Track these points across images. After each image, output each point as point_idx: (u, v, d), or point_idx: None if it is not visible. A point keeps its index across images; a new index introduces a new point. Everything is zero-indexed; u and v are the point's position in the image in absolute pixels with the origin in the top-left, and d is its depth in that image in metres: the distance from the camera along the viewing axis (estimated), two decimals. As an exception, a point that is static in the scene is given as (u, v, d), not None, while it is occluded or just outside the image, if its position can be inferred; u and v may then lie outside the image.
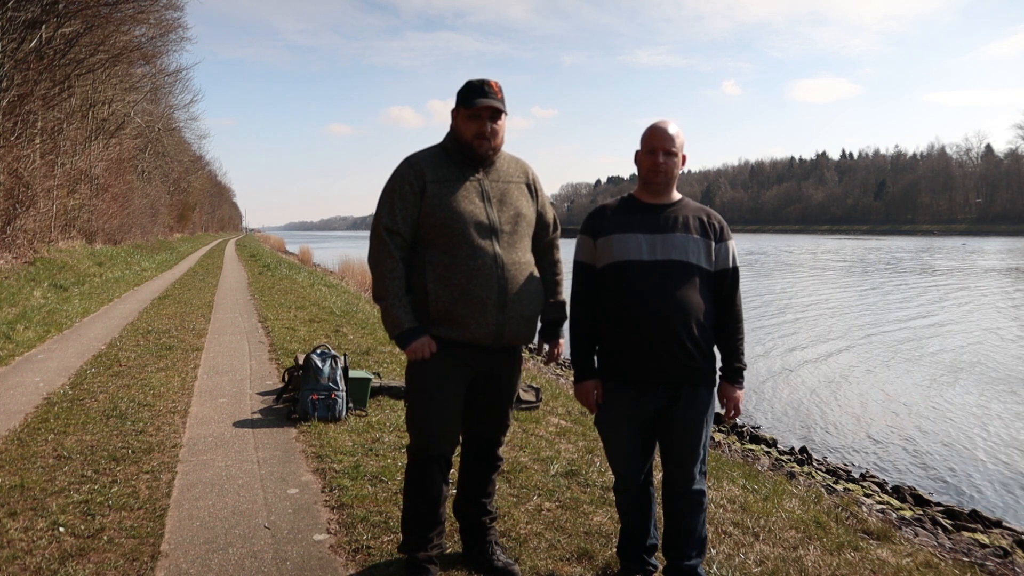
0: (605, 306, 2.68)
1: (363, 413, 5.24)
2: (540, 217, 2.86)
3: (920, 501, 5.93)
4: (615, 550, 2.98)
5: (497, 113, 2.65)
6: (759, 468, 5.68)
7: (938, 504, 5.91)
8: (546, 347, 2.95)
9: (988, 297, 22.12)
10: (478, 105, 2.62)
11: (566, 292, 2.90)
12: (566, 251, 2.92)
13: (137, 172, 35.34)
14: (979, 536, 4.98)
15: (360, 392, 5.34)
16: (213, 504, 3.60)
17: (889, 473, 6.94)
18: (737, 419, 8.19)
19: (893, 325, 16.34)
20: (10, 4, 14.99)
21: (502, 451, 2.97)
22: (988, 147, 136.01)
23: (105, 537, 3.18)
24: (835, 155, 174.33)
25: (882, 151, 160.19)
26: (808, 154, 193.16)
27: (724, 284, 2.68)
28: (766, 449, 7.19)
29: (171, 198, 48.75)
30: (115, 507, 3.52)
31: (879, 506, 5.44)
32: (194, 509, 3.53)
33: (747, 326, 2.85)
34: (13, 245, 15.81)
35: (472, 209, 2.63)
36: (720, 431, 7.58)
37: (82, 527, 3.28)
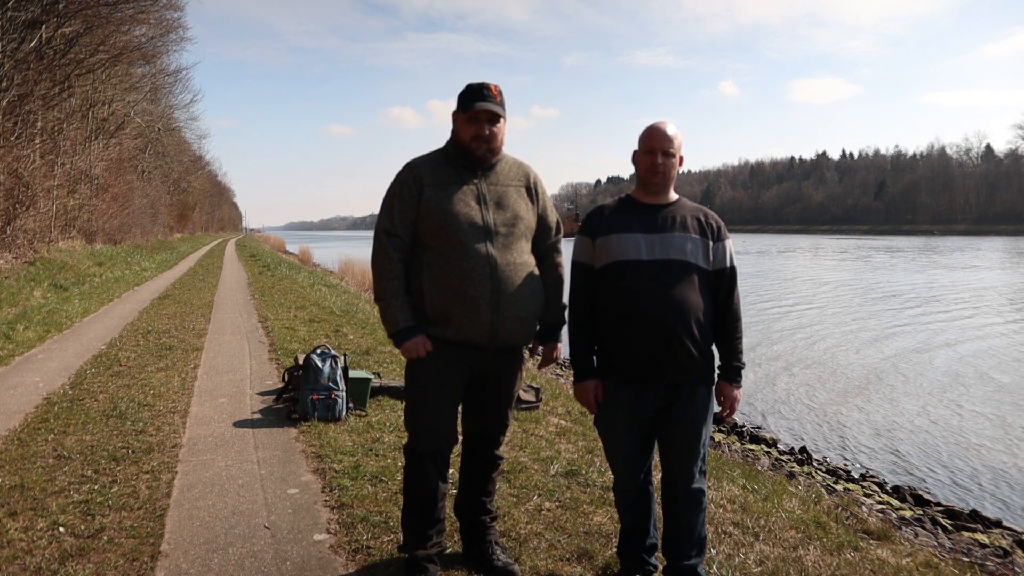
0: (604, 306, 2.68)
1: (363, 413, 5.25)
2: (541, 220, 2.85)
3: (920, 501, 5.93)
4: (615, 550, 2.99)
5: (495, 117, 2.66)
6: (759, 468, 5.69)
7: (938, 504, 5.91)
8: (541, 349, 2.93)
9: (990, 297, 22.11)
10: (476, 109, 2.63)
11: (566, 295, 2.88)
12: (565, 252, 2.92)
13: (137, 172, 35.35)
14: (979, 536, 4.98)
15: (360, 392, 5.34)
16: (213, 504, 3.61)
17: (889, 473, 6.94)
18: (737, 419, 8.30)
19: (893, 325, 16.34)
20: (10, 4, 15.00)
21: (502, 451, 2.98)
22: (988, 147, 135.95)
23: (105, 537, 3.19)
24: (835, 155, 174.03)
25: (882, 151, 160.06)
26: (808, 154, 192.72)
27: (722, 283, 2.69)
28: (766, 449, 7.19)
29: (171, 198, 48.77)
30: (115, 507, 3.52)
31: (879, 506, 5.44)
32: (194, 509, 3.54)
33: (746, 325, 2.85)
34: (13, 245, 15.81)
35: (467, 211, 2.65)
36: (720, 431, 7.58)
37: (82, 527, 3.29)
